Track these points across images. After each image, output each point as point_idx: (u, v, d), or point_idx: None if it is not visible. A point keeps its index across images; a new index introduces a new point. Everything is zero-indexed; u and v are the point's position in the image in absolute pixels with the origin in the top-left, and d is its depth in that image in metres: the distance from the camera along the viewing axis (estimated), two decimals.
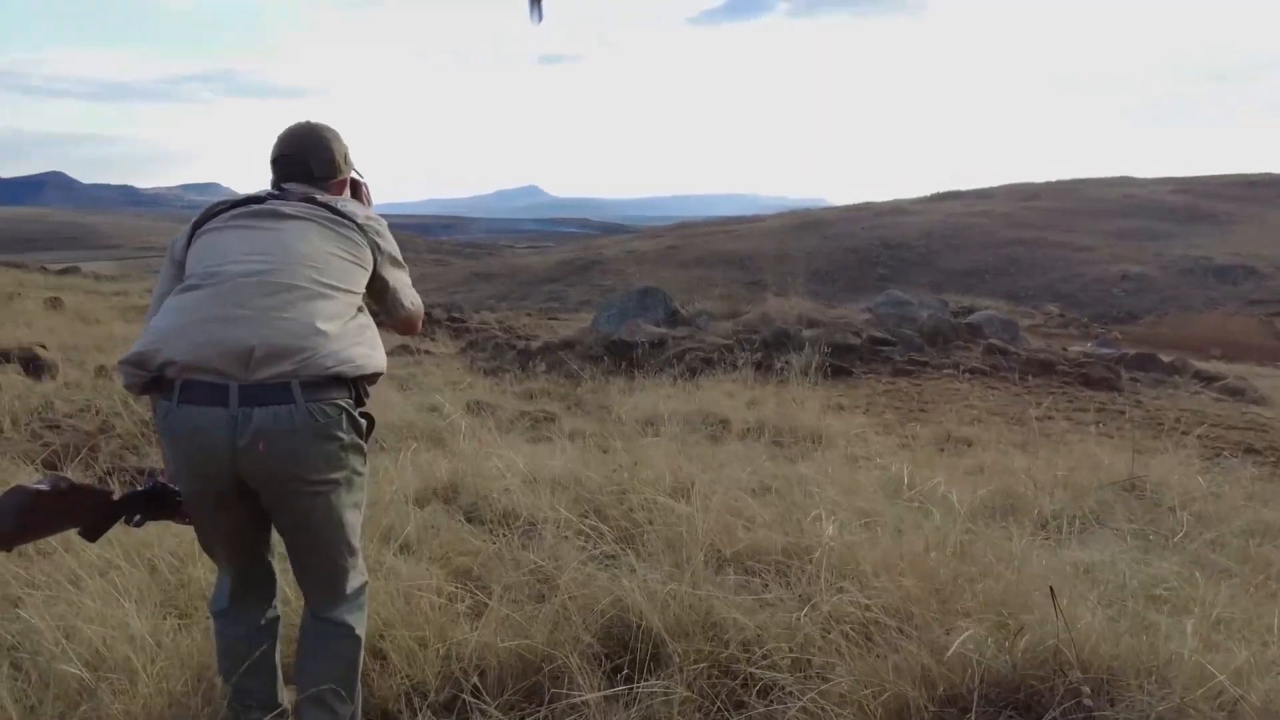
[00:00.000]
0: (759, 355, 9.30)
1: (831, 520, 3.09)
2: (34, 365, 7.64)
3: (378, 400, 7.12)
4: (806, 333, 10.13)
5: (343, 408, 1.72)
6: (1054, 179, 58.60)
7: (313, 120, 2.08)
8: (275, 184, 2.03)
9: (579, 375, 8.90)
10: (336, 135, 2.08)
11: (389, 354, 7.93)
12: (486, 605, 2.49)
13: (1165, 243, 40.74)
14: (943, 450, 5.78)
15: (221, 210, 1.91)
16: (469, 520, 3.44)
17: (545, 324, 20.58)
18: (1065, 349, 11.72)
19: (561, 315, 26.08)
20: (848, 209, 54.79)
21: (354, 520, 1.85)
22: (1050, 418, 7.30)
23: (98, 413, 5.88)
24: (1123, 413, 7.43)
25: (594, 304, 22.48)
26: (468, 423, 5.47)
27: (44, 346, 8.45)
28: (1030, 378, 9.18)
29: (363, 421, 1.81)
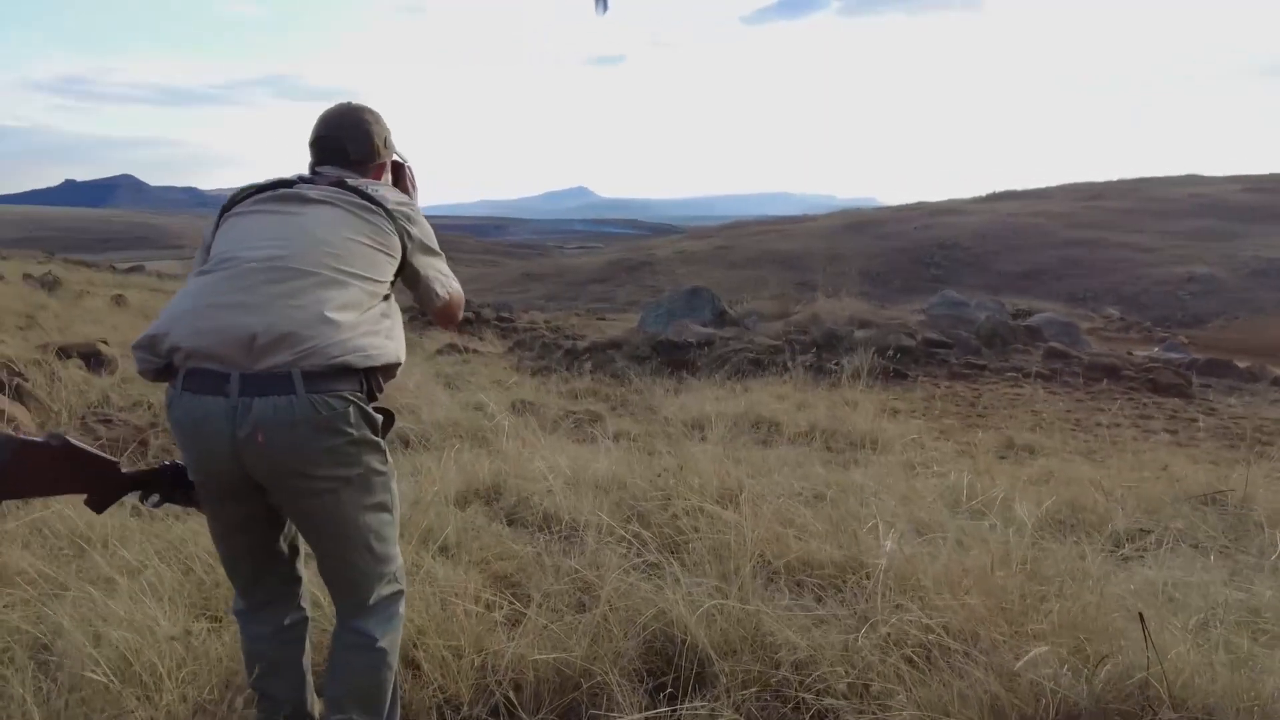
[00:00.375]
0: (809, 357, 9.09)
1: (890, 532, 2.93)
2: (95, 360, 7.81)
3: (424, 398, 7.15)
4: (859, 334, 9.87)
5: (350, 400, 1.62)
6: (1116, 178, 56.67)
7: (353, 102, 2.00)
8: (312, 167, 1.96)
9: (625, 375, 8.80)
10: (377, 118, 2.00)
11: (437, 353, 7.93)
12: (524, 614, 2.39)
13: (1235, 243, 39.02)
14: (1004, 458, 5.54)
15: (249, 194, 1.83)
16: (510, 523, 3.36)
17: (593, 324, 20.57)
18: (1130, 353, 11.24)
19: (610, 315, 26.06)
20: (900, 209, 53.76)
21: (375, 523, 1.74)
22: (1117, 425, 6.96)
23: (150, 407, 5.96)
24: (1195, 421, 7.06)
25: (643, 304, 22.37)
26: (512, 422, 5.40)
27: (105, 342, 8.64)
28: (1093, 383, 8.80)
29: (377, 417, 1.70)
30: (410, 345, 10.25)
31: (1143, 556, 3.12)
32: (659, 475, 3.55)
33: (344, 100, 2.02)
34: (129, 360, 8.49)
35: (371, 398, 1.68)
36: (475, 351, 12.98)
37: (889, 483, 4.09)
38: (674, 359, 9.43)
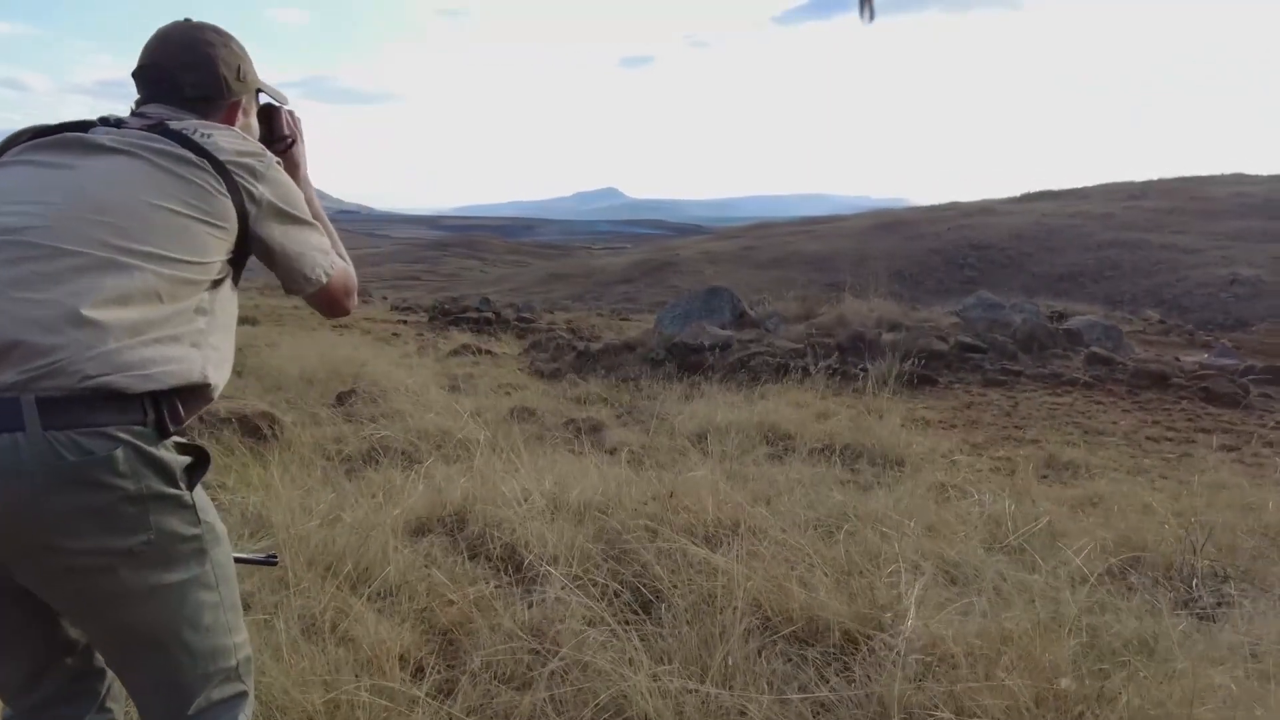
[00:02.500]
0: (833, 361, 8.55)
1: (913, 580, 2.43)
2: None
3: (422, 401, 6.74)
4: (886, 337, 9.31)
5: (121, 440, 1.13)
6: (1158, 177, 54.91)
7: (195, 19, 1.48)
8: (133, 107, 1.45)
9: (635, 379, 8.34)
10: (226, 40, 1.47)
11: (451, 354, 7.38)
12: (455, 685, 1.93)
13: None
14: (1045, 477, 4.99)
15: (24, 138, 1.32)
16: (472, 556, 2.90)
17: (614, 325, 20.10)
18: (1178, 359, 10.54)
19: (634, 316, 25.58)
20: (933, 209, 52.64)
21: (188, 608, 1.24)
22: (1168, 439, 6.36)
23: None
24: (1256, 435, 6.42)
25: (667, 305, 21.86)
26: (503, 433, 4.96)
27: None
28: (1140, 391, 8.17)
29: (176, 460, 1.21)
30: (425, 346, 9.75)
31: (1222, 611, 2.60)
32: (646, 503, 3.08)
33: (183, 19, 1.47)
34: None
35: (163, 432, 1.18)
36: (489, 353, 12.58)
37: (915, 510, 3.58)
38: (688, 362, 8.93)
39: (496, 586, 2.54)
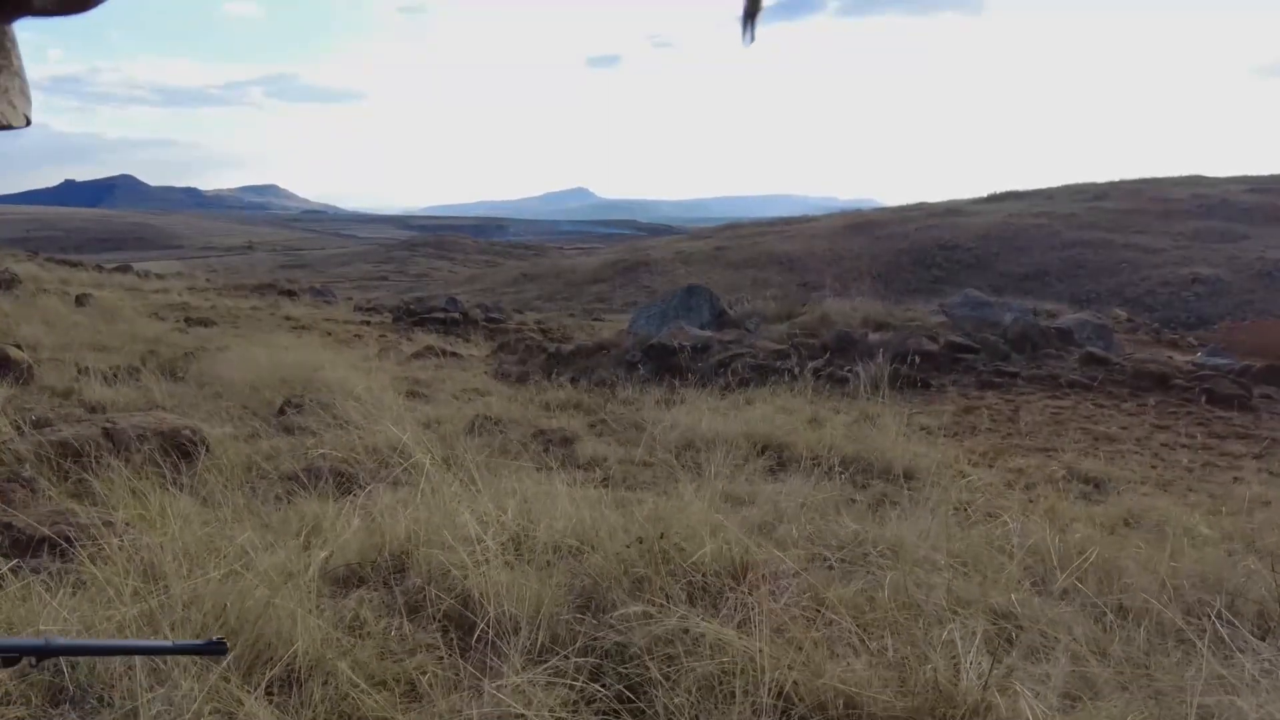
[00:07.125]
0: (820, 363, 8.07)
1: (971, 647, 1.91)
2: None
3: (375, 410, 6.12)
4: (874, 337, 8.85)
5: None
6: (1119, 179, 55.43)
7: None
8: None
9: (610, 384, 7.79)
10: None
11: (413, 356, 6.68)
12: None
13: (1240, 244, 38.03)
14: (1066, 492, 4.51)
15: None
16: (412, 613, 2.33)
17: (587, 325, 19.55)
18: (1172, 358, 10.21)
19: (607, 317, 25.04)
20: (901, 209, 52.72)
21: None
22: (1184, 446, 5.95)
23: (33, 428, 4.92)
24: (1276, 440, 6.04)
25: (640, 305, 21.33)
26: (459, 448, 4.37)
27: (19, 347, 7.61)
28: (1142, 393, 7.78)
29: None
30: (387, 348, 9.03)
31: None
32: (628, 546, 2.52)
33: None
34: (49, 367, 7.47)
35: None
36: (455, 355, 11.93)
37: (940, 539, 3.07)
38: (667, 365, 8.40)
39: (440, 659, 1.97)
